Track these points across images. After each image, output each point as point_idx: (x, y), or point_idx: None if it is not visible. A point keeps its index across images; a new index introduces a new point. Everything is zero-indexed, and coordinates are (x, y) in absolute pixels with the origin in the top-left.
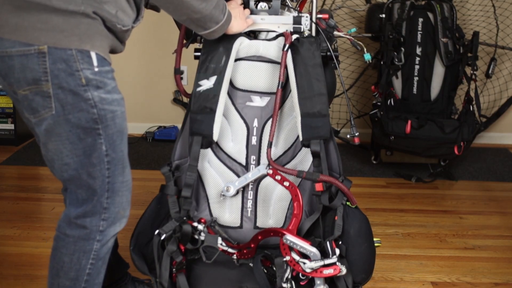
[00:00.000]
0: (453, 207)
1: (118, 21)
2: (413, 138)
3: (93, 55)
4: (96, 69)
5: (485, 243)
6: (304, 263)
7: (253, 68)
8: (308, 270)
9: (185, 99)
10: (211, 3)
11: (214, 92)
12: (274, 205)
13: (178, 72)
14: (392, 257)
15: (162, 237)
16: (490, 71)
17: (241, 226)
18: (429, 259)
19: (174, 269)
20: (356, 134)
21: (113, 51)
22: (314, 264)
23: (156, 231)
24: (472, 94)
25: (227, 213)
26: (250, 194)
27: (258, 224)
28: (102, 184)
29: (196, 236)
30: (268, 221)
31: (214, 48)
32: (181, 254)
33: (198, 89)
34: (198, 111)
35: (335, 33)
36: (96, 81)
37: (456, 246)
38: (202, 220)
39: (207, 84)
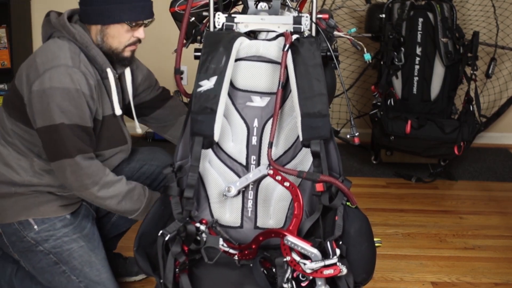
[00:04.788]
0: (453, 207)
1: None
2: (413, 138)
3: (31, 221)
4: (37, 229)
5: (485, 243)
6: (305, 264)
7: (253, 68)
8: (308, 271)
9: (185, 99)
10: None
11: (214, 92)
12: (275, 205)
13: (178, 72)
14: (392, 257)
15: (166, 238)
16: (490, 71)
17: (241, 226)
18: (429, 259)
19: (177, 270)
20: (356, 134)
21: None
22: (314, 265)
23: (160, 232)
24: (472, 94)
25: (228, 213)
26: (250, 194)
27: (259, 224)
28: None
29: (198, 237)
30: (268, 221)
31: (214, 48)
32: (184, 254)
33: (199, 89)
34: (199, 111)
35: (335, 33)
36: (41, 236)
37: (456, 246)
38: (204, 221)
39: (207, 84)
